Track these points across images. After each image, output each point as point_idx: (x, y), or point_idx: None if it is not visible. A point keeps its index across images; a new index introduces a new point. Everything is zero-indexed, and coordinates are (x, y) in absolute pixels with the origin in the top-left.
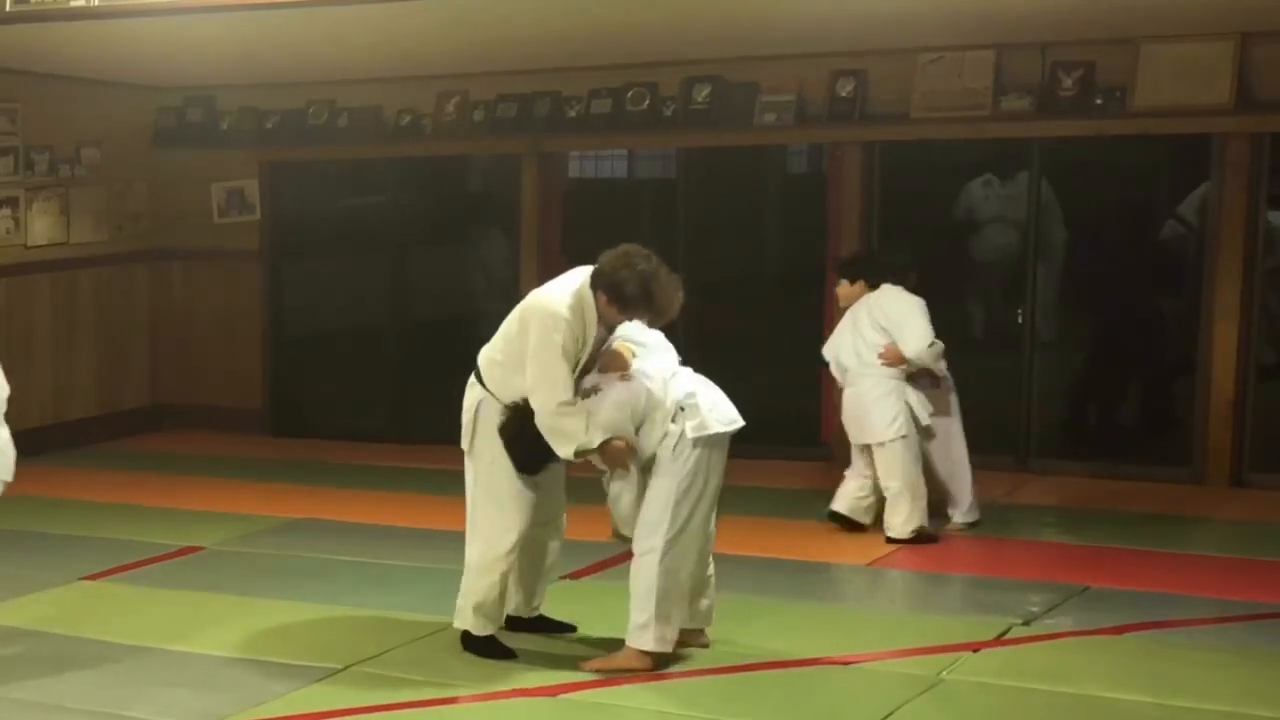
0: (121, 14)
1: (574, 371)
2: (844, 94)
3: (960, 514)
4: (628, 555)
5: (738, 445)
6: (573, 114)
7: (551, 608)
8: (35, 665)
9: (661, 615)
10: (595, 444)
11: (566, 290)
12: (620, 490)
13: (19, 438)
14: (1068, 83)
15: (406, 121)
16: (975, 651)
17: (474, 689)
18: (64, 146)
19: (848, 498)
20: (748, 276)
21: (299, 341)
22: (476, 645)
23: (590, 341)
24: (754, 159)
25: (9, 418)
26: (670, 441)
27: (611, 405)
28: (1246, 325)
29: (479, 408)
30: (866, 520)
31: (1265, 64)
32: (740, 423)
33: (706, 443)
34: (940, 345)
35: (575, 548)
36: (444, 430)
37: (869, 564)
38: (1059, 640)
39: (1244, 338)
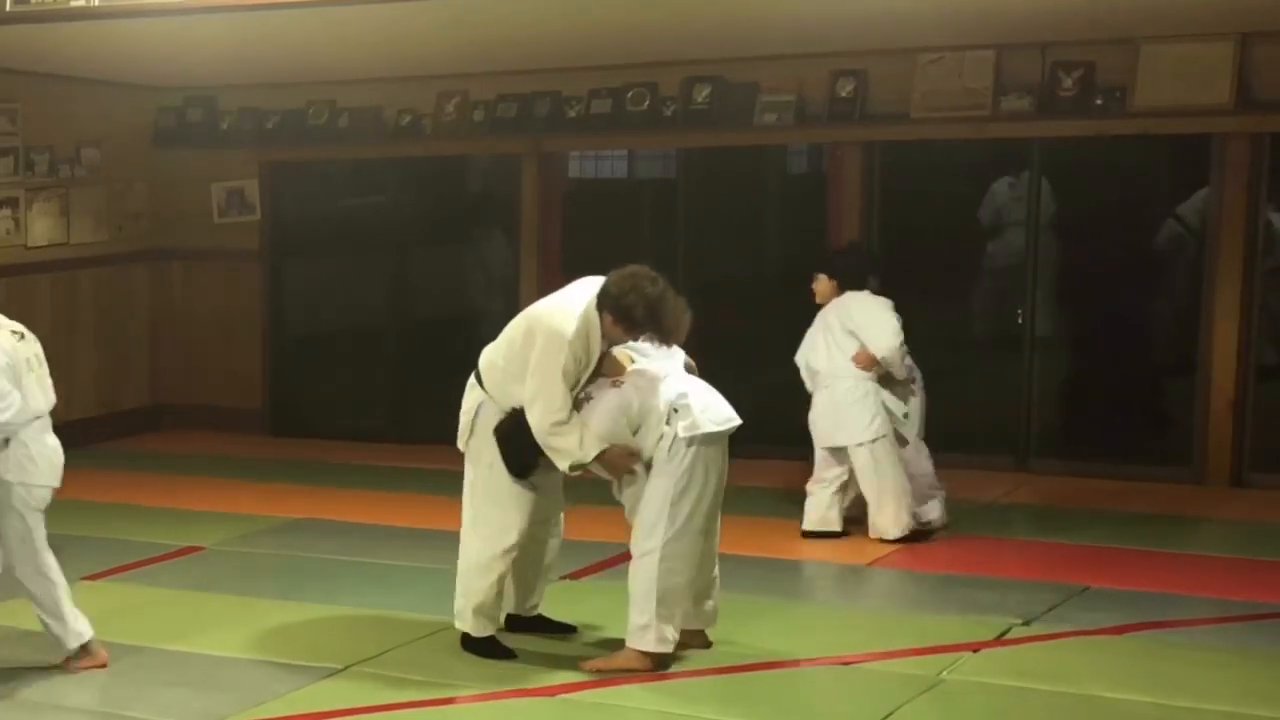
0: (121, 14)
1: (576, 387)
2: (844, 94)
3: (928, 514)
4: (628, 555)
5: (738, 445)
6: (573, 114)
7: (551, 608)
8: (35, 665)
9: (661, 616)
10: (590, 458)
11: (573, 310)
12: (634, 496)
13: None
14: (1068, 83)
15: (406, 121)
16: (975, 651)
17: (474, 689)
18: (64, 146)
19: (814, 515)
20: (748, 276)
21: (299, 341)
22: (476, 646)
23: (594, 361)
24: (754, 159)
25: None
26: (665, 443)
27: (602, 414)
28: (1246, 325)
29: (479, 410)
30: (839, 526)
31: (1265, 64)
32: (735, 421)
33: (700, 442)
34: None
35: (575, 548)
36: (444, 430)
37: (869, 564)
38: (1059, 640)
39: (1244, 338)
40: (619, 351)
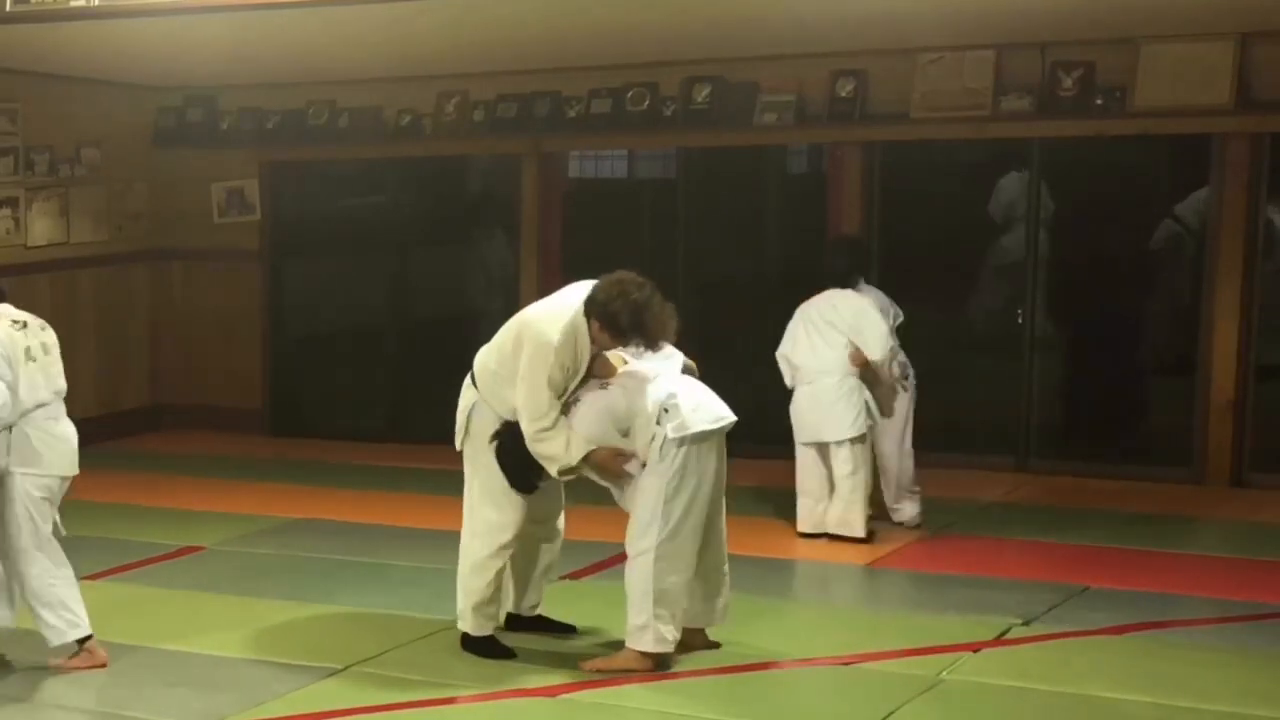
0: (121, 14)
1: (565, 393)
2: (844, 94)
3: (902, 514)
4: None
5: (738, 445)
6: (573, 114)
7: (551, 608)
8: (36, 665)
9: (659, 616)
10: (575, 461)
11: (560, 318)
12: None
13: None
14: (1068, 83)
15: (406, 122)
16: (975, 651)
17: (474, 689)
18: (64, 146)
19: (807, 518)
20: (748, 276)
21: (299, 341)
22: (476, 645)
23: (583, 367)
24: (754, 159)
25: None
26: (656, 444)
27: (588, 416)
28: (1246, 325)
29: (473, 411)
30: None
31: (1265, 64)
32: (728, 419)
33: (691, 442)
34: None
35: (575, 548)
36: (444, 430)
37: (869, 564)
38: (1059, 640)
39: (1244, 338)
40: (613, 353)
